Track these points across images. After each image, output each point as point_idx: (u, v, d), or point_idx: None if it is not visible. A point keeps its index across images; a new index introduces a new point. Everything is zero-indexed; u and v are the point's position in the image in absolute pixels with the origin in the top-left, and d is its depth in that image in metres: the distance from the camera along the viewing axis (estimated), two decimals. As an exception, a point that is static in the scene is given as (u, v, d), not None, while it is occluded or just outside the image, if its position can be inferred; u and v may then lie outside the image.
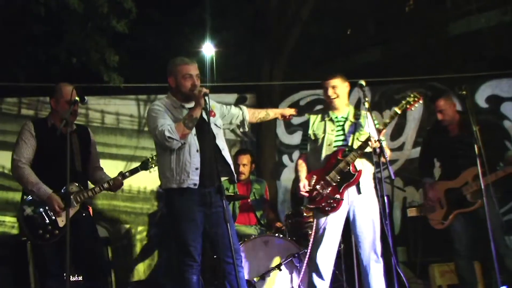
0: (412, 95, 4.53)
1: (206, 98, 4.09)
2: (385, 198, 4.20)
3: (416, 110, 7.59)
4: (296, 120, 7.97)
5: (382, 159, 4.32)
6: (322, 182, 4.62)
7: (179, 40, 10.03)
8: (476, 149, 4.39)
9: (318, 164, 4.70)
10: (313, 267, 4.68)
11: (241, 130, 4.86)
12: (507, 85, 7.55)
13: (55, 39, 8.02)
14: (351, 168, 4.53)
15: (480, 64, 8.96)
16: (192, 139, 4.21)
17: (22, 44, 8.64)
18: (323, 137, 4.69)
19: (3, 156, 6.98)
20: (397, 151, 7.75)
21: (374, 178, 4.63)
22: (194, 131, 4.21)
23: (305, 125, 4.92)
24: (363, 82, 4.53)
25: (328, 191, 4.61)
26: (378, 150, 4.33)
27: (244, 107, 4.70)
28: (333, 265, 4.68)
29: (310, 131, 4.81)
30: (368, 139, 4.39)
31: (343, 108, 4.75)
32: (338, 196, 4.58)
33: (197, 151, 4.20)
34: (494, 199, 4.85)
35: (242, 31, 9.88)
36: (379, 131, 4.42)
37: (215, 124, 4.34)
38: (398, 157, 7.73)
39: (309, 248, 4.80)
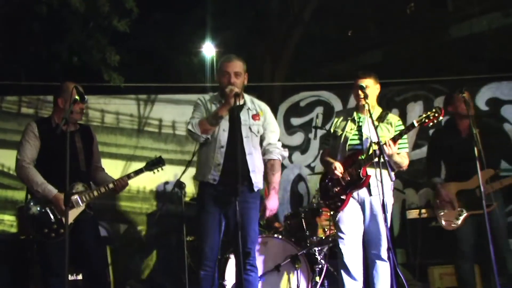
0: (434, 110, 4.39)
1: (248, 100, 4.15)
2: (384, 200, 4.18)
3: (415, 112, 7.76)
4: (296, 121, 7.99)
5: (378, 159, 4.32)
6: (335, 180, 4.64)
7: (180, 40, 10.04)
8: (476, 151, 4.37)
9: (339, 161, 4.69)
10: (342, 266, 4.66)
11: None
12: (507, 88, 7.54)
13: (57, 38, 8.02)
14: (361, 172, 4.52)
15: (480, 67, 8.95)
16: (221, 135, 4.21)
17: (23, 42, 8.63)
18: (341, 135, 4.69)
19: (3, 154, 7.00)
20: (397, 153, 7.74)
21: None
22: (226, 127, 4.21)
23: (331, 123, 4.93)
24: (364, 84, 4.53)
25: (336, 190, 4.64)
26: (377, 151, 4.32)
27: (272, 155, 4.41)
28: (361, 257, 4.65)
29: (332, 128, 4.82)
30: (382, 147, 4.27)
31: (371, 109, 4.57)
32: (343, 197, 4.59)
33: (222, 147, 4.19)
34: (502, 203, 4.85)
35: (243, 31, 9.88)
36: (393, 140, 4.40)
37: (250, 127, 4.27)
38: (398, 159, 7.72)
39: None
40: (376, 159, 4.40)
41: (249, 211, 4.19)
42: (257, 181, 4.28)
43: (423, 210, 6.51)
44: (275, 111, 8.05)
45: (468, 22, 10.58)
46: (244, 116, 4.26)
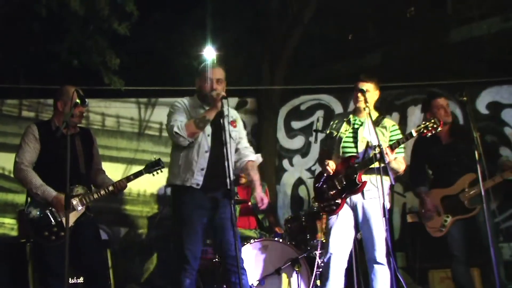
0: (433, 120, 4.43)
1: (225, 102, 4.11)
2: (384, 203, 4.19)
3: (415, 116, 7.77)
4: (296, 125, 8.00)
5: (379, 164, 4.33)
6: (330, 183, 4.65)
7: (180, 43, 10.03)
8: (476, 155, 4.37)
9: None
10: (325, 270, 4.70)
11: None
12: (507, 91, 7.56)
13: (56, 41, 8.02)
14: (357, 177, 4.52)
15: (480, 70, 8.96)
16: (205, 139, 4.24)
17: (22, 45, 8.64)
18: (336, 136, 4.72)
19: (3, 158, 7.01)
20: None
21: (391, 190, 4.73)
22: (209, 131, 4.24)
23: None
24: (364, 87, 4.54)
25: (331, 193, 4.64)
26: (378, 155, 4.32)
27: (251, 157, 4.53)
28: (344, 270, 4.68)
29: (329, 130, 4.87)
30: (379, 154, 4.32)
31: (363, 110, 4.66)
32: (338, 201, 4.59)
33: (206, 152, 4.22)
34: (493, 204, 4.86)
35: (242, 32, 9.88)
36: (391, 148, 4.43)
37: (230, 134, 4.29)
38: (398, 163, 7.72)
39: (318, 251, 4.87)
40: (375, 165, 4.42)
41: (230, 214, 4.15)
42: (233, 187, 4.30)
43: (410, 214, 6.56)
44: (275, 114, 8.07)
45: (468, 26, 10.58)
46: (224, 122, 4.22)
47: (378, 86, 4.71)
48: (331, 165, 4.62)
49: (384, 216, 4.21)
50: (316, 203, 4.80)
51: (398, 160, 4.61)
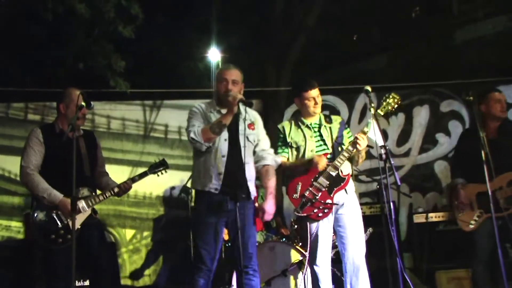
0: (391, 96, 4.52)
1: (242, 105, 4.10)
2: (391, 204, 4.17)
3: (421, 116, 7.75)
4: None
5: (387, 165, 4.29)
6: (311, 189, 4.54)
7: (185, 46, 10.06)
8: (483, 155, 4.34)
9: (301, 171, 4.63)
10: (314, 278, 4.65)
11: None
12: (514, 91, 7.52)
13: (62, 44, 8.06)
14: (340, 172, 4.51)
15: (486, 70, 8.94)
16: (222, 144, 4.20)
17: (29, 49, 8.67)
18: (305, 144, 4.66)
19: (9, 161, 7.02)
20: (403, 157, 7.74)
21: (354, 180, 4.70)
22: (226, 136, 4.21)
23: (279, 132, 4.82)
24: (369, 88, 4.51)
25: (319, 197, 4.53)
26: (384, 156, 4.30)
27: (267, 160, 4.43)
28: (330, 270, 4.66)
29: (289, 139, 4.72)
30: (355, 142, 4.40)
31: (315, 114, 4.71)
32: (329, 200, 4.53)
33: (223, 156, 4.18)
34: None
35: (247, 36, 9.90)
36: (363, 132, 4.45)
37: (247, 137, 4.24)
38: (404, 163, 7.72)
39: (307, 258, 4.73)
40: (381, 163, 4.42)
41: (248, 217, 4.21)
42: (253, 189, 4.32)
43: (430, 214, 6.49)
44: (281, 116, 8.06)
45: (473, 26, 10.57)
46: (241, 125, 4.23)
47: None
48: (323, 159, 4.52)
49: (391, 216, 4.17)
50: (304, 214, 4.65)
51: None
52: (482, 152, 4.35)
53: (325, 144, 4.63)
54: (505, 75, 7.76)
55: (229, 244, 4.42)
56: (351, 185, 4.64)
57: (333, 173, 4.50)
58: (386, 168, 4.26)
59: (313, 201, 4.55)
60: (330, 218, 4.60)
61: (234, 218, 4.11)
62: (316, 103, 4.65)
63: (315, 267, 4.59)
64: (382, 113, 4.52)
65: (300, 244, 5.71)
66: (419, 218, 6.53)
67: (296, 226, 5.97)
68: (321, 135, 4.66)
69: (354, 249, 4.52)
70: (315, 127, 4.69)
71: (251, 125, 4.33)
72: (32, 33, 8.23)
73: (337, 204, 4.55)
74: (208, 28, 9.64)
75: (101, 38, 7.59)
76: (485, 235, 4.95)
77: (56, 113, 4.70)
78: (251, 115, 4.40)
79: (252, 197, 4.32)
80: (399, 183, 4.32)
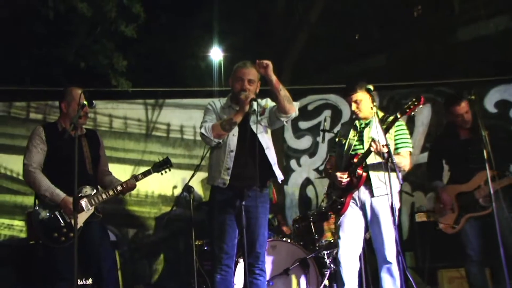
0: (414, 99, 4.34)
1: (255, 104, 4.11)
2: (393, 203, 4.16)
3: (423, 115, 7.75)
4: (304, 125, 7.98)
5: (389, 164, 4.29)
6: (336, 185, 4.66)
7: (187, 45, 10.06)
8: (485, 153, 4.35)
9: (341, 168, 4.71)
10: (338, 274, 4.67)
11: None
12: (516, 90, 7.53)
13: (64, 43, 8.06)
14: (357, 171, 4.52)
15: (487, 69, 8.93)
16: (231, 139, 4.26)
17: (30, 48, 8.68)
18: (345, 143, 4.72)
19: (12, 160, 7.03)
20: (405, 156, 7.73)
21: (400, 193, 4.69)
22: (235, 132, 4.26)
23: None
24: (371, 87, 4.52)
25: (336, 194, 4.66)
26: (386, 154, 4.29)
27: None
28: (357, 269, 4.64)
29: (337, 137, 4.88)
30: (370, 145, 4.38)
31: (368, 115, 4.67)
32: (342, 199, 4.60)
33: (232, 151, 4.23)
34: (504, 203, 4.80)
35: (248, 34, 9.90)
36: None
37: (260, 124, 4.27)
38: (406, 162, 7.71)
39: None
40: (375, 159, 4.44)
41: (258, 214, 4.22)
42: (278, 173, 4.36)
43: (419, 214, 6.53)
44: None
45: (475, 25, 10.57)
46: (253, 118, 4.26)
47: (364, 88, 4.59)
48: (343, 176, 4.58)
49: (393, 214, 4.17)
50: (325, 207, 4.81)
51: (402, 154, 4.56)
52: (484, 151, 4.35)
53: (363, 147, 4.61)
54: (507, 74, 7.75)
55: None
56: (380, 190, 4.50)
57: (352, 173, 4.53)
58: (388, 167, 4.26)
59: (331, 197, 4.73)
60: (358, 215, 4.61)
61: (243, 213, 4.12)
62: (357, 106, 4.63)
63: (338, 265, 4.62)
64: (399, 116, 4.37)
65: (302, 243, 5.73)
66: (421, 217, 6.54)
67: (297, 225, 5.98)
68: (362, 136, 4.65)
69: (381, 250, 4.49)
70: (361, 128, 4.70)
71: (263, 111, 4.34)
72: (34, 32, 8.23)
73: (346, 203, 4.57)
74: (210, 27, 9.64)
75: (103, 37, 7.59)
76: (472, 236, 4.97)
77: (58, 112, 4.71)
78: (260, 104, 4.32)
79: (279, 180, 4.38)
80: (401, 182, 4.33)
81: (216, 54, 9.96)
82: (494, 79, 7.69)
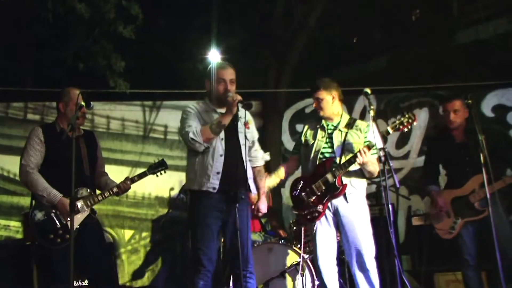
0: (407, 116, 4.39)
1: (240, 106, 4.11)
2: (390, 206, 4.16)
3: (420, 118, 7.75)
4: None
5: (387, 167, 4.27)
6: (308, 190, 4.58)
7: (185, 47, 10.06)
8: (482, 158, 4.34)
9: (307, 170, 4.68)
10: (319, 279, 4.67)
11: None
12: (513, 94, 7.54)
13: (62, 44, 8.06)
14: (337, 181, 4.47)
15: (486, 73, 8.94)
16: (219, 143, 4.22)
17: (29, 49, 8.68)
18: (313, 144, 4.66)
19: (9, 160, 7.02)
20: (402, 160, 7.74)
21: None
22: (222, 135, 4.22)
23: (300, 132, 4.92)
24: (368, 90, 4.48)
25: (311, 200, 4.56)
26: (383, 158, 4.27)
27: (259, 162, 4.56)
28: (336, 273, 4.65)
29: (302, 137, 4.79)
30: (356, 155, 4.33)
31: (335, 117, 4.68)
32: (320, 207, 4.53)
33: (221, 155, 4.20)
34: (501, 206, 4.80)
35: (248, 37, 9.89)
36: (368, 147, 4.36)
37: (245, 136, 4.25)
38: (403, 165, 7.71)
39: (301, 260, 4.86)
40: (354, 167, 4.42)
41: (247, 218, 4.23)
42: (253, 187, 4.38)
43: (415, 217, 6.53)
44: (280, 117, 8.07)
45: (474, 28, 10.56)
46: (239, 125, 4.26)
47: (329, 89, 4.62)
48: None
49: (389, 218, 4.13)
50: (296, 212, 4.72)
51: (374, 162, 4.49)
52: (481, 156, 4.34)
53: (333, 150, 4.57)
54: (505, 78, 7.75)
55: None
56: (353, 196, 4.53)
57: (331, 180, 4.48)
58: (385, 171, 4.24)
59: (306, 203, 4.58)
60: (331, 222, 4.59)
61: (230, 218, 4.14)
62: (317, 104, 4.66)
63: (318, 265, 4.61)
64: (391, 131, 4.39)
65: (299, 246, 5.72)
66: (417, 221, 6.52)
67: (295, 228, 5.97)
68: (331, 138, 4.61)
69: (359, 256, 4.46)
70: (329, 129, 4.66)
71: (247, 124, 4.32)
72: (32, 33, 8.23)
73: (323, 212, 4.52)
74: (208, 29, 9.64)
75: (101, 39, 7.58)
76: (467, 240, 4.96)
77: (55, 113, 4.71)
78: (245, 114, 4.36)
79: (253, 194, 4.39)
80: (398, 186, 4.33)
81: (214, 56, 9.96)
82: (492, 83, 7.69)
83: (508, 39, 9.63)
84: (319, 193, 4.54)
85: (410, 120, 4.36)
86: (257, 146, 4.55)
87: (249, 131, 4.35)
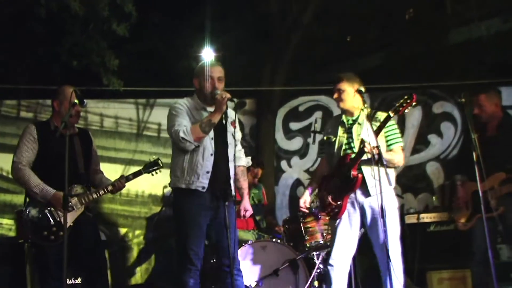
0: (406, 97, 4.26)
1: (230, 103, 4.10)
2: (382, 204, 4.15)
3: (414, 117, 7.77)
4: (295, 126, 8.00)
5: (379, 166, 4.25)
6: (328, 187, 4.57)
7: (180, 44, 10.04)
8: (474, 156, 4.33)
9: (332, 168, 4.64)
10: (326, 278, 4.62)
11: None
12: (507, 93, 7.53)
13: (56, 42, 8.03)
14: (352, 173, 4.40)
15: (480, 72, 8.96)
16: (209, 142, 4.20)
17: (22, 46, 8.64)
18: (335, 141, 4.61)
19: (1, 158, 6.99)
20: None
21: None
22: (212, 134, 4.20)
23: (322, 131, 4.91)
24: (362, 88, 4.49)
25: (330, 198, 4.53)
26: (376, 156, 4.25)
27: (242, 161, 4.56)
28: (347, 273, 4.57)
29: (325, 136, 4.76)
30: (363, 144, 4.24)
31: (355, 110, 4.59)
32: (339, 202, 4.47)
33: (211, 155, 4.19)
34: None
35: (242, 35, 9.89)
36: (374, 134, 4.28)
37: (233, 135, 4.24)
38: (396, 164, 7.72)
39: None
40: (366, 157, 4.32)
41: (233, 217, 4.23)
42: (233, 188, 4.35)
43: (422, 215, 6.51)
44: (274, 116, 8.07)
45: (467, 27, 10.59)
46: (227, 124, 4.23)
47: (351, 82, 4.55)
48: (305, 203, 4.75)
49: (384, 216, 4.12)
50: (322, 213, 4.74)
51: (394, 151, 4.46)
52: (474, 154, 4.33)
53: (352, 142, 4.50)
54: (499, 77, 7.77)
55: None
56: (374, 187, 4.39)
57: (346, 173, 4.39)
58: (378, 169, 4.24)
59: (326, 202, 4.56)
60: (354, 221, 4.53)
61: (217, 217, 4.15)
62: (338, 95, 4.57)
63: (328, 266, 4.56)
64: (392, 114, 4.30)
65: (292, 244, 5.73)
66: (410, 219, 6.55)
67: (287, 226, 5.99)
68: (351, 133, 4.54)
69: (378, 254, 4.42)
70: (349, 124, 4.59)
71: (233, 123, 4.31)
72: (26, 30, 8.20)
73: (343, 206, 4.45)
74: (202, 27, 9.63)
75: (95, 36, 7.56)
76: (480, 235, 4.93)
77: (49, 111, 4.72)
78: (231, 114, 4.38)
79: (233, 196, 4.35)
80: (391, 184, 4.33)
81: (208, 54, 9.95)
82: (486, 82, 7.70)
83: (500, 39, 9.66)
84: (335, 189, 4.50)
85: (409, 101, 4.26)
86: (240, 146, 4.54)
87: (235, 130, 4.33)
